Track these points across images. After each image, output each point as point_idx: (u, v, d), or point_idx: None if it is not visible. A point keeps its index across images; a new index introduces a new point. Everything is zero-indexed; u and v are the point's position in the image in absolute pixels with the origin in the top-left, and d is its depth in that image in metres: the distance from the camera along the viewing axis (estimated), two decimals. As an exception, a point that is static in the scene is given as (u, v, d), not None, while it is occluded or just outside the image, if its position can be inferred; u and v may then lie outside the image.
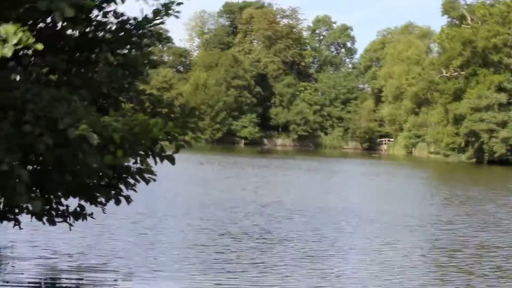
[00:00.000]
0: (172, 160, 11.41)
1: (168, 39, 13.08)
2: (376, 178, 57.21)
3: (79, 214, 13.77)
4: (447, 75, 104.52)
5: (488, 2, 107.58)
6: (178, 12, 12.40)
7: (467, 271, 18.83)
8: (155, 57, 13.40)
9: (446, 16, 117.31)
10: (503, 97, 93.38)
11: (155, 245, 20.15)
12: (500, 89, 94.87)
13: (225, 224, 25.08)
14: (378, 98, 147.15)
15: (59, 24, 11.60)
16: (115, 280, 15.85)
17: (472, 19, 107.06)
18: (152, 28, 12.54)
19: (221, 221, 25.66)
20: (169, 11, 12.25)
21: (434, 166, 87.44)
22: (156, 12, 12.28)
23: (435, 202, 38.41)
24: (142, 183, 12.47)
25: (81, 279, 15.76)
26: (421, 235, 25.46)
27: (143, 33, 12.56)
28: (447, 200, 39.33)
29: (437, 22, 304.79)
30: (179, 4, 12.31)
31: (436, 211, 33.31)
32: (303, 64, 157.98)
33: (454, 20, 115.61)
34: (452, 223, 28.75)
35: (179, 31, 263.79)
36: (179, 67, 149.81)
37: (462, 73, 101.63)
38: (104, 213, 12.70)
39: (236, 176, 50.87)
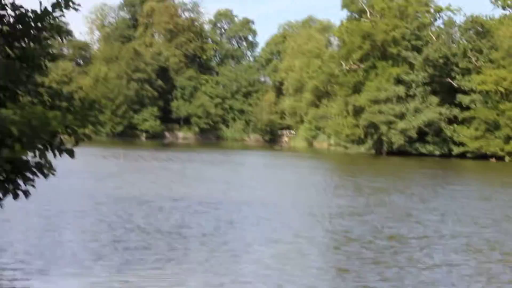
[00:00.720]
0: (71, 154, 11.21)
1: (68, 32, 12.77)
2: (282, 170, 57.35)
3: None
4: (347, 68, 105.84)
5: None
6: (78, 5, 12.22)
7: (382, 262, 18.97)
8: (54, 50, 13.12)
9: (345, 10, 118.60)
10: (401, 90, 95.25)
11: (62, 242, 19.80)
12: (398, 81, 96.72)
13: (137, 219, 24.83)
14: (279, 91, 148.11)
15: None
16: (15, 280, 15.52)
17: (371, 13, 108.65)
18: (51, 21, 12.31)
19: (132, 217, 25.38)
20: (69, 4, 12.06)
21: (336, 158, 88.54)
22: (55, 5, 12.06)
23: (344, 193, 38.53)
24: (52, 178, 12.23)
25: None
26: (333, 226, 25.48)
27: (42, 26, 12.32)
28: (355, 191, 39.62)
29: (337, 15, 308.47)
30: (79, -4, 12.12)
31: (346, 202, 33.44)
32: (204, 57, 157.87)
33: (354, 14, 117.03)
34: (363, 214, 28.99)
35: (79, 24, 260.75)
36: (79, 60, 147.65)
37: (362, 66, 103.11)
38: (0, 207, 12.37)
39: (144, 170, 50.42)
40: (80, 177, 39.81)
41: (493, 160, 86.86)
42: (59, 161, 11.81)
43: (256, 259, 18.79)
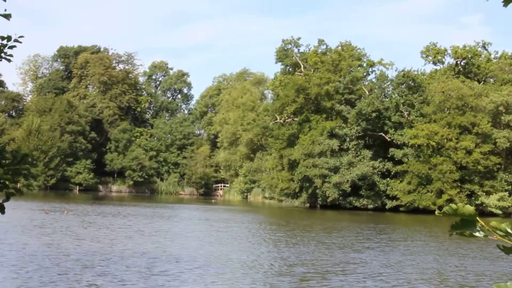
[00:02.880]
0: (1, 209, 10.87)
1: (1, 84, 12.44)
2: (228, 224, 55.79)
3: None
4: (281, 121, 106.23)
5: (320, 50, 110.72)
6: (11, 55, 11.96)
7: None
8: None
9: (280, 63, 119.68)
10: (335, 143, 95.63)
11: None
12: (332, 135, 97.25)
13: (96, 279, 24.05)
14: (214, 144, 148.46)
15: None
16: None
17: (305, 67, 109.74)
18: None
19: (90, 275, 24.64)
20: (1, 55, 11.80)
21: (274, 211, 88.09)
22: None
23: (309, 249, 37.15)
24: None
25: None
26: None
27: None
28: (319, 248, 38.24)
29: (271, 68, 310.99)
30: (11, 47, 11.87)
31: (315, 261, 32.27)
32: (139, 109, 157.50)
33: (288, 67, 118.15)
34: (340, 274, 27.91)
35: (12, 75, 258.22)
36: (11, 112, 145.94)
37: (296, 119, 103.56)
38: None
39: (95, 225, 48.84)
40: (30, 234, 38.57)
41: (439, 213, 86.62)
42: (3, 217, 11.50)
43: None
